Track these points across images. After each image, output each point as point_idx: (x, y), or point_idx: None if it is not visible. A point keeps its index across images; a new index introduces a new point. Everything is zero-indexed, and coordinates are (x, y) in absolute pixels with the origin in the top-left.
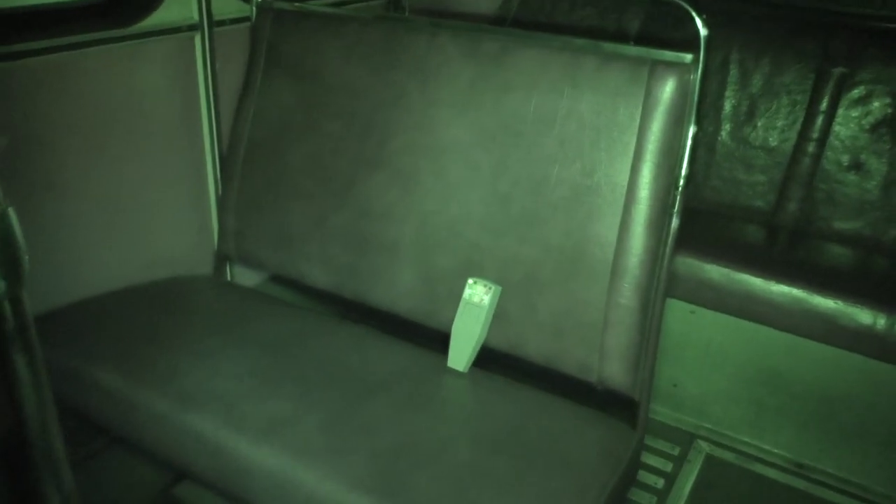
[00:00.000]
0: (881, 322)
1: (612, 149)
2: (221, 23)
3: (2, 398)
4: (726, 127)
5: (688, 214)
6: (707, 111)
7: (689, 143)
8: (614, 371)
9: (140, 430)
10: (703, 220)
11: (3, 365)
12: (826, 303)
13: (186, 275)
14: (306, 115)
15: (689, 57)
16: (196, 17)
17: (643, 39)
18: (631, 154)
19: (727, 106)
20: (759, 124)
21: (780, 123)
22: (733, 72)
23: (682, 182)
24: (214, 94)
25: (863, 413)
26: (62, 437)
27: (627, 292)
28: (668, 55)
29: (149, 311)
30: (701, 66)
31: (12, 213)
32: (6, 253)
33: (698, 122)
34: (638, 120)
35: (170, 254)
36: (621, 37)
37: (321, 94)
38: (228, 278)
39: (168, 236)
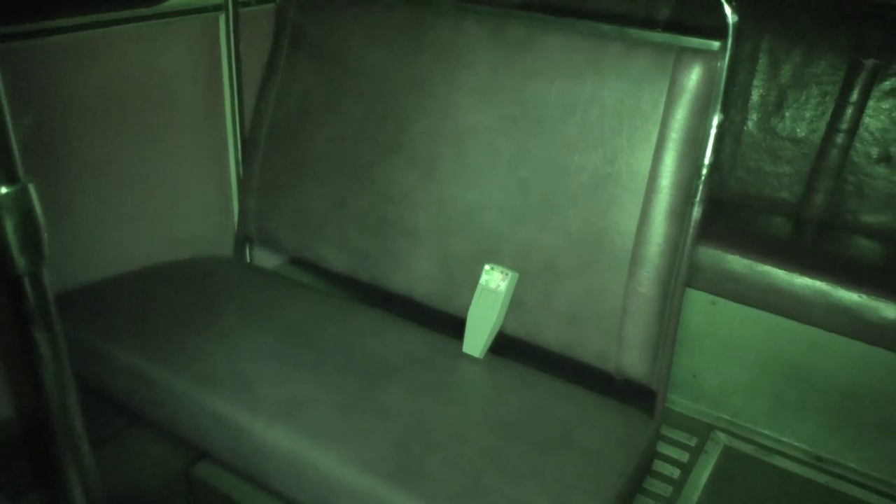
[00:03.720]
0: None
1: (634, 136)
2: (246, 3)
3: (23, 376)
4: (753, 117)
5: (712, 205)
6: (734, 100)
7: (713, 132)
8: (632, 360)
9: (159, 410)
10: (728, 211)
11: (24, 343)
12: (850, 296)
13: (206, 255)
14: (329, 97)
15: (716, 44)
16: None
17: (673, 26)
18: (653, 142)
19: (755, 95)
20: (787, 115)
21: (808, 114)
22: (763, 61)
23: (705, 171)
24: (238, 76)
25: (885, 407)
26: (82, 414)
27: (647, 282)
28: (695, 42)
29: (169, 291)
30: (729, 53)
31: (33, 190)
32: (26, 229)
33: (724, 111)
34: (662, 108)
35: (190, 234)
36: (651, 23)
37: (344, 76)
38: (248, 260)
39: (189, 216)
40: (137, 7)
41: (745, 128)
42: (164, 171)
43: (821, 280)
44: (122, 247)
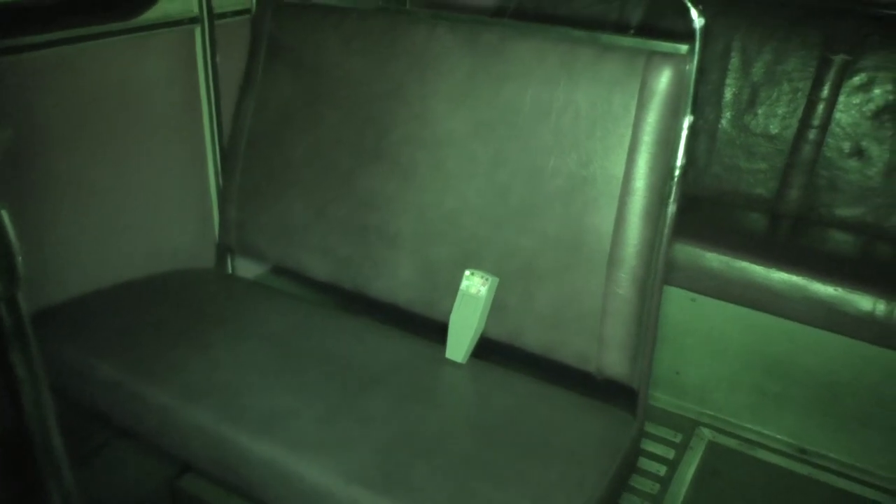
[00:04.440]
0: (881, 308)
1: (608, 139)
2: (222, 15)
3: (1, 398)
4: (727, 115)
5: (689, 202)
6: (708, 98)
7: (684, 133)
8: (613, 360)
9: (143, 423)
10: (705, 209)
11: (0, 365)
12: (826, 289)
13: (188, 267)
14: (307, 106)
15: (684, 48)
16: (196, 9)
17: (645, 30)
18: (626, 145)
19: (728, 94)
20: (760, 112)
21: (781, 111)
22: (734, 60)
23: (678, 172)
24: (215, 87)
25: (864, 398)
26: (61, 434)
27: (624, 282)
28: (665, 46)
29: (151, 304)
30: (696, 56)
31: (5, 215)
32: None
33: (695, 112)
34: (633, 111)
35: (171, 246)
36: (623, 27)
37: (322, 85)
38: (230, 270)
39: (170, 229)
40: (113, 22)
41: (720, 125)
42: (144, 184)
43: (797, 274)
44: (103, 261)
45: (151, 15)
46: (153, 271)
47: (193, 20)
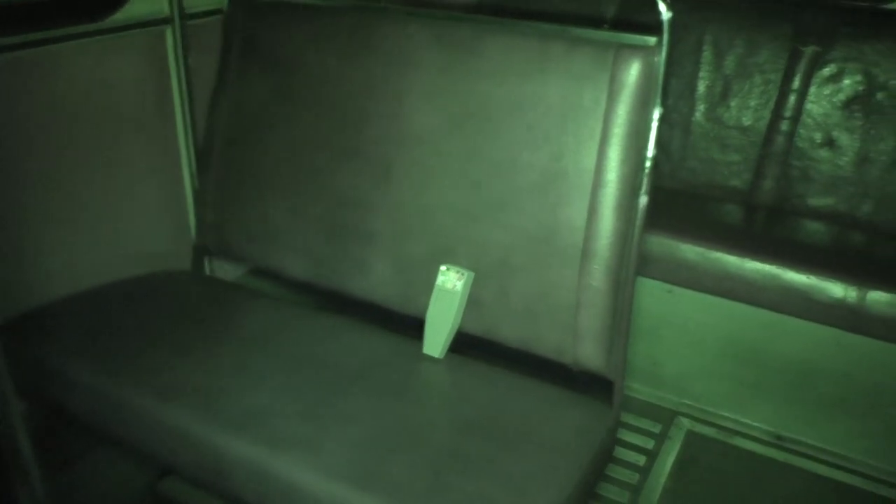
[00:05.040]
0: (852, 295)
1: (579, 133)
2: (194, 16)
3: None
4: (700, 108)
5: (664, 195)
6: (681, 92)
7: (654, 124)
8: (588, 352)
9: (123, 427)
10: (680, 201)
11: None
12: (799, 278)
13: (165, 270)
14: (281, 106)
15: (653, 40)
16: (167, 10)
17: (619, 24)
18: (597, 138)
19: (701, 87)
20: (733, 104)
21: (753, 103)
22: (707, 53)
23: (648, 163)
24: (188, 88)
25: (839, 384)
26: (31, 439)
27: (598, 274)
28: (633, 38)
29: (128, 307)
30: (665, 48)
31: None
32: None
33: (664, 104)
34: (604, 104)
35: (148, 249)
36: (597, 22)
37: (296, 84)
38: (207, 272)
39: (145, 232)
40: (82, 23)
41: (694, 118)
42: (118, 188)
43: (771, 264)
44: (80, 265)
45: (121, 16)
46: (130, 274)
47: (164, 21)
